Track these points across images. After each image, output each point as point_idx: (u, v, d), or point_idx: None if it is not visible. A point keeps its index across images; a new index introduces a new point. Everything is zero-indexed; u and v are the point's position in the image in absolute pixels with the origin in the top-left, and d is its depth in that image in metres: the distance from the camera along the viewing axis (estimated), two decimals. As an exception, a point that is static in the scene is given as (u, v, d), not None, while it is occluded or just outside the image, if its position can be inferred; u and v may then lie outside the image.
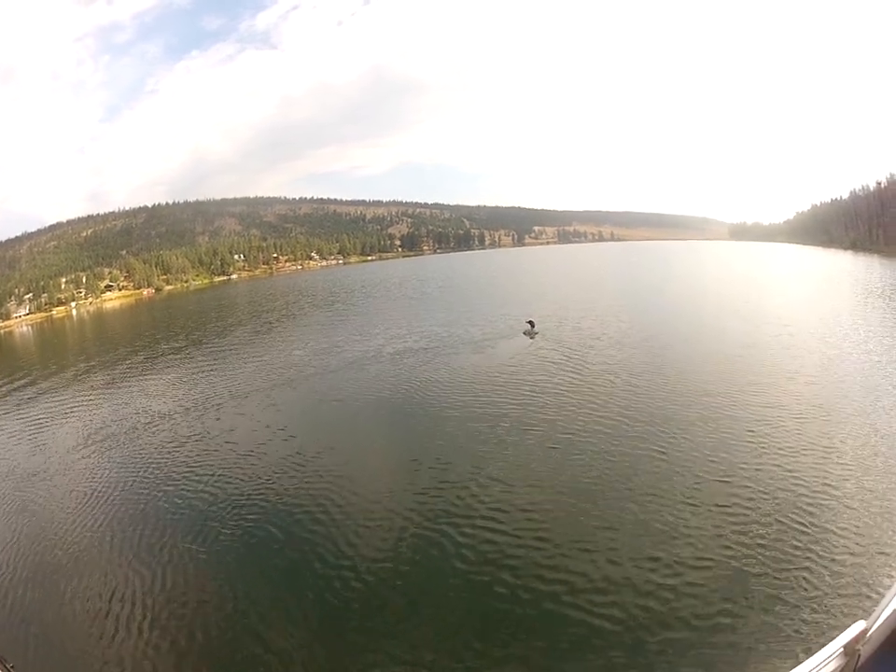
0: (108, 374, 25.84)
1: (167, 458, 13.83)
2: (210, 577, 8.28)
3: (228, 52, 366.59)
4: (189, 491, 11.71)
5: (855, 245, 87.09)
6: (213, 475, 12.35)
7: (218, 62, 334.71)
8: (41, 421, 19.20)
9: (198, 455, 13.78)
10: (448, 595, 7.29)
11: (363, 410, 16.21)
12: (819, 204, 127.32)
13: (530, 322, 24.63)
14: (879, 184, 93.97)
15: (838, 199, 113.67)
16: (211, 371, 23.01)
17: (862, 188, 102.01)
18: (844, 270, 52.07)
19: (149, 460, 13.91)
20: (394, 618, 6.97)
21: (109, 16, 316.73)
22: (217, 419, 16.37)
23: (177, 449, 14.37)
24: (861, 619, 2.38)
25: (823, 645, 2.32)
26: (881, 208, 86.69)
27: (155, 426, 16.40)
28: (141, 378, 23.65)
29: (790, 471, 9.96)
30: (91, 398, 21.52)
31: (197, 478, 12.32)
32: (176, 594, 8.00)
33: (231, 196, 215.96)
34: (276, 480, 11.77)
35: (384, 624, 6.85)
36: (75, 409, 20.17)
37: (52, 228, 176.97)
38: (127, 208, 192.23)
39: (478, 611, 6.94)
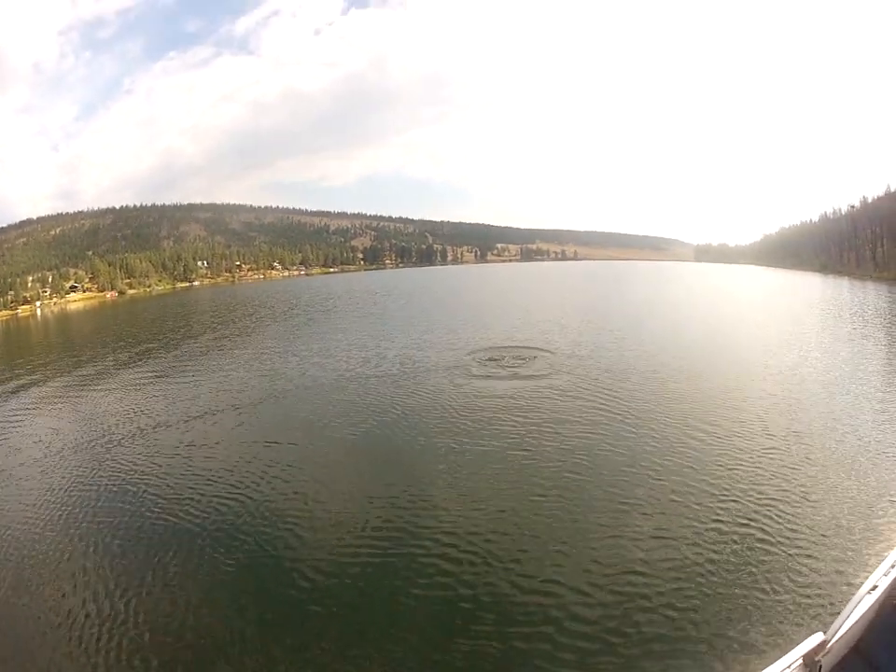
0: (52, 386, 24.41)
1: (113, 474, 12.72)
2: (177, 591, 8.00)
3: (204, 55, 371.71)
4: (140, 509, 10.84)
5: (825, 268, 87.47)
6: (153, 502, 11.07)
7: (194, 64, 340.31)
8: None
9: (138, 480, 12.23)
10: (422, 605, 7.31)
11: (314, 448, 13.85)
12: (787, 227, 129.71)
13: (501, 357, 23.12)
14: (852, 207, 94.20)
15: (808, 222, 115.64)
16: (144, 393, 20.91)
17: (833, 211, 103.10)
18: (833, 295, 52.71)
19: (100, 474, 12.82)
20: (368, 625, 6.99)
21: (94, 10, 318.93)
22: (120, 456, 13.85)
23: (113, 470, 12.92)
24: (819, 631, 2.46)
25: (781, 655, 2.33)
26: (853, 231, 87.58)
27: (97, 443, 15.22)
28: (83, 392, 22.42)
29: (754, 483, 10.20)
30: (23, 413, 19.84)
31: (150, 499, 11.22)
32: (144, 607, 7.72)
33: (197, 201, 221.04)
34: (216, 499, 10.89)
35: (358, 634, 6.88)
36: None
37: (22, 224, 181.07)
38: (95, 208, 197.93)
39: (453, 617, 7.01)
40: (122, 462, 13.70)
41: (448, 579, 7.89)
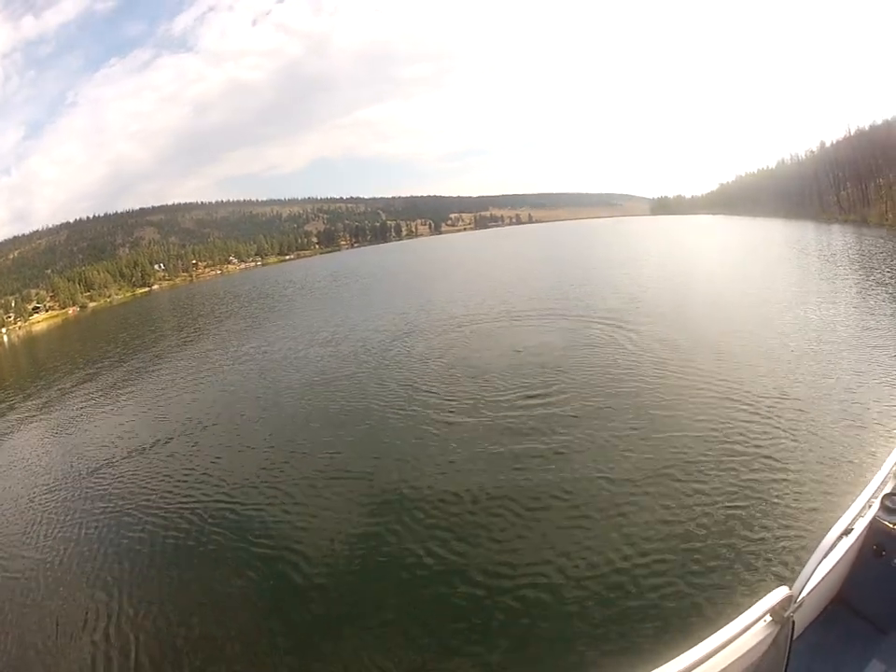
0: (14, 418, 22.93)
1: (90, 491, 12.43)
2: (169, 598, 7.94)
3: (144, 58, 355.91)
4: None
5: (788, 214, 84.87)
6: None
7: (136, 68, 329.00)
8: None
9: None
10: (416, 598, 7.19)
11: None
12: (744, 175, 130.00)
13: None
14: (811, 152, 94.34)
15: (765, 169, 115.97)
16: (109, 415, 19.82)
17: (791, 157, 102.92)
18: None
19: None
20: (361, 624, 6.86)
21: (36, 29, 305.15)
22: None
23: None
24: (784, 585, 2.25)
25: (743, 611, 2.13)
26: (814, 176, 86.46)
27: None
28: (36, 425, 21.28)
29: (722, 433, 10.10)
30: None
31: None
32: (137, 621, 7.56)
33: (149, 205, 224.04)
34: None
35: (350, 632, 6.77)
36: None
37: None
38: (49, 226, 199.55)
39: (446, 612, 6.86)
40: (91, 490, 13.03)
41: (455, 576, 7.59)
